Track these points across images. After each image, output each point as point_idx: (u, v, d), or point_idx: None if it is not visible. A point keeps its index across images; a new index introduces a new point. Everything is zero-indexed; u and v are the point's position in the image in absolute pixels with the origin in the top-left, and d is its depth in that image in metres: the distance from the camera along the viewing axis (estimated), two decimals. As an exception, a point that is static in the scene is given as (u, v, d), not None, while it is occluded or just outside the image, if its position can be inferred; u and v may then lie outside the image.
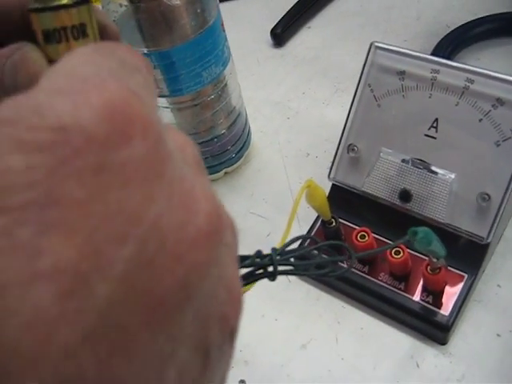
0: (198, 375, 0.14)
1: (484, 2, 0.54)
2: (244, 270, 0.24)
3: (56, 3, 0.20)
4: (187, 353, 0.14)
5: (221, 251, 0.15)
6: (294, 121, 0.49)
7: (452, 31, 0.52)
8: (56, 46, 0.20)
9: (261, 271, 0.24)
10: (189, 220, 0.13)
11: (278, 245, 0.29)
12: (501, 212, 0.32)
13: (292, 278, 0.39)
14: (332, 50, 0.55)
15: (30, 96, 0.13)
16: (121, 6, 0.34)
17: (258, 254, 0.24)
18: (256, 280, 0.24)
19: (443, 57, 0.49)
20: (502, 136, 0.33)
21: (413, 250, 0.34)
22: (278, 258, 0.24)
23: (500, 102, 0.33)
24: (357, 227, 0.36)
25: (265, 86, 0.53)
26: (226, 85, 0.40)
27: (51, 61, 0.20)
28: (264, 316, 0.38)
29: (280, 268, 0.24)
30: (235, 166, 0.46)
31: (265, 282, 0.35)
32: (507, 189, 0.32)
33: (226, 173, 0.46)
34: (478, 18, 0.52)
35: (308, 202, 0.34)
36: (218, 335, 0.15)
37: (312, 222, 0.38)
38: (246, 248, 0.39)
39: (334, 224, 0.36)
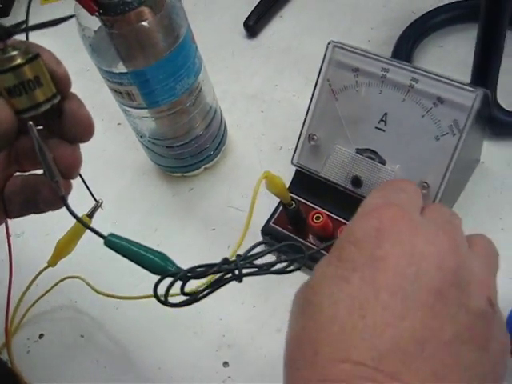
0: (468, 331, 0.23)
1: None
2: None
3: (12, 64, 0.27)
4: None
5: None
6: (268, 114, 0.55)
7: (417, 18, 0.57)
8: (18, 98, 0.27)
9: (229, 275, 0.30)
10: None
11: (240, 235, 0.36)
12: (438, 198, 0.38)
13: (265, 259, 0.46)
14: (303, 40, 0.60)
15: None
16: (95, 32, 0.40)
17: (225, 261, 0.30)
18: (226, 283, 0.30)
19: (408, 44, 0.55)
20: (441, 131, 0.38)
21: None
22: (242, 262, 0.30)
23: (440, 100, 0.38)
24: (317, 207, 0.43)
25: (239, 78, 0.58)
26: (200, 91, 0.46)
27: (16, 110, 0.27)
28: (243, 303, 0.44)
29: (245, 270, 0.29)
30: (214, 161, 0.52)
31: (245, 280, 0.42)
32: (443, 178, 0.38)
33: (205, 168, 0.52)
34: (443, 5, 0.57)
35: (269, 190, 0.40)
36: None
37: (275, 207, 0.45)
38: (226, 238, 0.46)
39: (293, 206, 0.42)
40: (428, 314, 0.23)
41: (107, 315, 0.46)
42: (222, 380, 0.41)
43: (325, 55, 0.43)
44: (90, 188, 0.38)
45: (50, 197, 0.30)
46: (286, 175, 0.45)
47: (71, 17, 0.64)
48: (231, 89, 0.57)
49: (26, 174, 0.33)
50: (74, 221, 0.31)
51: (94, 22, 0.41)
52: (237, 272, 0.30)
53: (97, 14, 0.39)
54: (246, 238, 0.38)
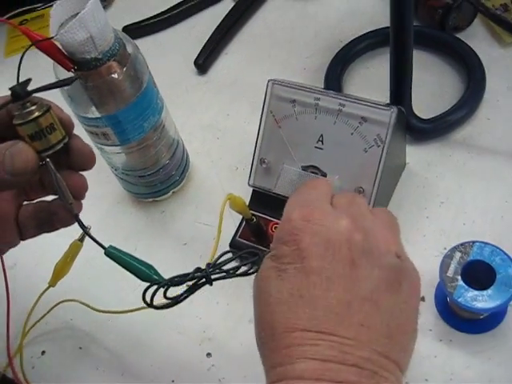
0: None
1: (369, 19, 0.68)
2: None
3: (32, 117, 0.34)
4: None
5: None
6: (223, 140, 0.63)
7: (344, 46, 0.66)
8: (38, 142, 0.34)
9: (203, 280, 0.37)
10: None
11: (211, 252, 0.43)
12: (373, 200, 0.47)
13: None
14: (247, 73, 0.69)
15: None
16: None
17: (197, 269, 0.37)
18: (200, 287, 0.38)
19: (338, 69, 0.64)
20: (368, 144, 0.47)
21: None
22: (211, 270, 0.37)
23: (364, 119, 0.47)
24: (274, 219, 0.51)
25: (195, 111, 0.66)
26: (163, 126, 0.54)
27: (37, 151, 0.34)
28: (218, 303, 0.52)
29: (215, 276, 0.37)
30: (180, 185, 0.60)
31: (217, 283, 0.50)
32: (375, 182, 0.47)
33: (173, 192, 0.59)
34: (365, 33, 0.66)
35: (232, 209, 0.48)
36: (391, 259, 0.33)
37: (239, 222, 0.53)
38: (198, 250, 0.53)
39: (254, 220, 0.50)
40: (347, 281, 0.31)
41: (101, 327, 0.53)
42: (207, 368, 0.48)
43: (266, 91, 0.51)
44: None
45: (66, 216, 0.38)
46: (244, 192, 0.52)
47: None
48: (189, 121, 0.65)
49: (34, 201, 0.40)
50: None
51: (67, 76, 0.48)
52: (208, 279, 0.37)
53: (72, 70, 0.47)
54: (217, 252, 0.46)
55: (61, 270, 0.48)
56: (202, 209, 0.58)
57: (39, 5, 0.84)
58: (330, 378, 0.29)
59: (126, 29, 0.74)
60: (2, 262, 0.48)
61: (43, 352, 0.53)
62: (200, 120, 0.65)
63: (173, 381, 0.48)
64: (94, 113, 0.49)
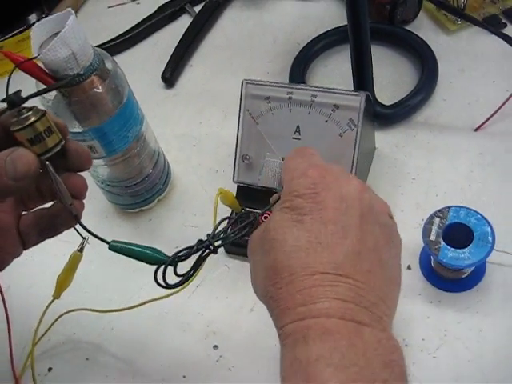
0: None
1: (322, 22, 0.73)
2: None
3: (30, 121, 0.36)
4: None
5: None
6: (199, 147, 0.66)
7: (303, 48, 0.71)
8: (37, 145, 0.36)
9: (208, 251, 0.40)
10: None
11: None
12: (352, 179, 0.51)
13: (229, 263, 0.56)
14: (213, 82, 0.72)
15: None
16: (54, 98, 0.49)
17: (200, 241, 0.40)
18: (205, 259, 0.40)
19: (299, 70, 0.68)
20: (343, 129, 0.51)
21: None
22: (213, 238, 0.39)
23: (336, 106, 0.51)
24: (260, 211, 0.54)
25: (168, 123, 0.69)
26: (145, 137, 0.56)
27: (37, 154, 0.36)
28: (218, 297, 0.54)
29: (218, 243, 0.39)
30: (164, 193, 0.62)
31: (213, 279, 0.52)
32: (353, 163, 0.50)
33: (158, 200, 0.62)
34: (321, 34, 0.71)
35: (223, 203, 0.50)
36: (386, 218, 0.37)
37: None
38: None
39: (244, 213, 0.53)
40: (358, 232, 0.34)
41: (105, 336, 0.54)
42: (215, 360, 0.50)
43: (241, 91, 0.54)
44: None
45: (68, 218, 0.39)
46: None
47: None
48: (164, 132, 0.67)
49: (33, 210, 0.42)
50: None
51: (50, 93, 0.50)
52: (212, 247, 0.39)
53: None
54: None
55: (64, 281, 0.49)
56: (188, 212, 0.61)
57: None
58: (351, 317, 0.32)
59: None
60: (-1, 283, 0.50)
61: (50, 369, 0.54)
62: (174, 130, 0.68)
63: (184, 376, 0.50)
64: (78, 127, 0.51)
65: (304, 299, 0.32)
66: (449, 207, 0.49)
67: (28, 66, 0.47)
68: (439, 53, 0.65)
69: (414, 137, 0.60)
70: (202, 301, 0.54)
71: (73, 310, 0.53)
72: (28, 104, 0.36)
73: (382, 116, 0.60)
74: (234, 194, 0.56)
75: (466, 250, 0.46)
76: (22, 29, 0.88)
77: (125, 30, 0.79)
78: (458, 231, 0.48)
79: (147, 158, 0.58)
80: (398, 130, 0.61)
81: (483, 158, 0.57)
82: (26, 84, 0.49)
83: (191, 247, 0.39)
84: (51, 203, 0.42)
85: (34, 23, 0.88)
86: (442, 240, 0.47)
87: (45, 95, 0.50)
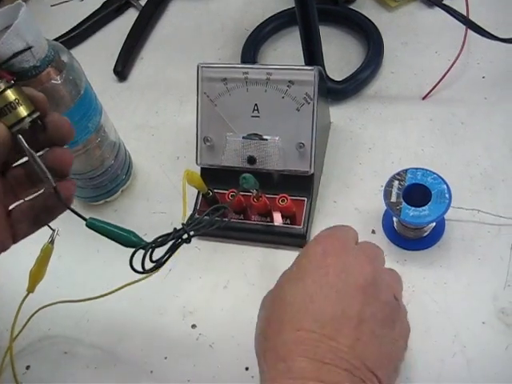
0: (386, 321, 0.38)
1: (267, 6, 0.75)
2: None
3: None
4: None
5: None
6: (158, 136, 0.67)
7: (251, 33, 0.72)
8: (6, 117, 0.35)
9: (180, 241, 0.41)
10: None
11: (181, 218, 0.47)
12: (313, 152, 0.53)
13: (200, 245, 0.57)
14: (166, 72, 0.73)
15: None
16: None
17: (175, 230, 0.41)
18: (179, 246, 0.41)
19: (250, 54, 0.70)
20: (299, 104, 0.53)
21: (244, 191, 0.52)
22: (188, 227, 0.41)
23: (291, 82, 0.53)
24: (226, 191, 0.55)
25: (124, 115, 0.69)
26: (104, 128, 0.57)
27: (7, 126, 0.35)
28: (191, 278, 0.55)
29: (192, 233, 0.41)
30: (128, 183, 0.63)
31: (185, 262, 0.53)
32: (312, 136, 0.52)
33: (122, 191, 0.62)
34: (267, 19, 0.73)
35: (189, 184, 0.51)
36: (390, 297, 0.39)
37: (195, 197, 0.57)
38: (159, 234, 0.56)
39: (210, 194, 0.54)
40: (353, 301, 0.37)
41: (81, 328, 0.54)
42: (195, 338, 0.52)
43: (197, 75, 0.56)
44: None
45: (54, 199, 0.37)
46: None
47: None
48: (121, 125, 0.67)
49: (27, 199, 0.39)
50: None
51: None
52: (186, 236, 0.41)
53: (13, 80, 0.49)
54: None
55: (37, 274, 0.49)
56: (153, 200, 0.62)
57: None
58: (328, 379, 0.34)
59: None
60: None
61: (28, 367, 0.54)
62: (131, 122, 0.69)
63: (166, 357, 0.51)
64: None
65: (285, 354, 0.35)
66: (406, 170, 0.51)
67: (-19, 61, 0.47)
68: (382, 28, 0.67)
69: (366, 109, 0.63)
70: (176, 283, 0.55)
71: (49, 305, 0.53)
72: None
73: (335, 91, 0.63)
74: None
75: (425, 207, 0.49)
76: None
77: (71, 27, 0.78)
78: (416, 191, 0.50)
79: (108, 149, 0.58)
80: (350, 104, 0.64)
81: (432, 123, 0.60)
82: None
83: (168, 234, 0.41)
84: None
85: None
86: (402, 201, 0.50)
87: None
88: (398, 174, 0.51)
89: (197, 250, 0.57)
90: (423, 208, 0.49)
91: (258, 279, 0.54)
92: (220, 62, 0.56)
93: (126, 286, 0.49)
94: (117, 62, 0.73)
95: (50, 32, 0.79)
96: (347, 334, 0.36)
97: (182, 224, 0.42)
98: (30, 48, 0.47)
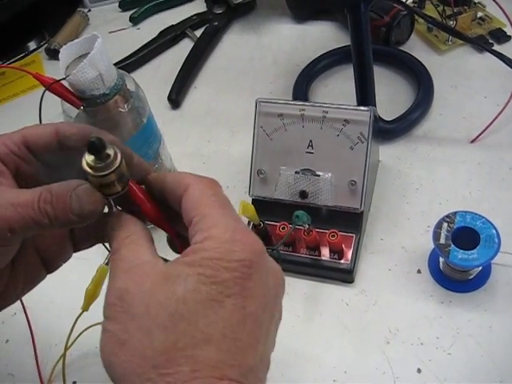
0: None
1: (319, 42, 0.77)
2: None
3: (104, 173, 0.33)
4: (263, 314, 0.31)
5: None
6: (209, 164, 0.69)
7: (303, 69, 0.74)
8: (107, 189, 0.35)
9: None
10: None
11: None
12: (364, 190, 0.54)
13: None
14: (218, 102, 0.75)
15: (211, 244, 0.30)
16: (77, 116, 0.52)
17: None
18: None
19: (302, 90, 0.72)
20: (353, 142, 0.55)
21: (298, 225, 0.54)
22: None
23: (347, 121, 0.55)
24: (277, 223, 0.57)
25: (177, 142, 0.71)
26: (161, 156, 0.59)
27: (103, 194, 0.35)
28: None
29: None
30: (179, 210, 0.64)
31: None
32: (364, 174, 0.54)
33: (172, 216, 0.64)
34: (320, 56, 0.75)
35: (243, 214, 0.53)
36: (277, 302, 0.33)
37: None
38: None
39: (262, 226, 0.56)
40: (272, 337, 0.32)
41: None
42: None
43: (255, 109, 0.58)
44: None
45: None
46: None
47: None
48: (173, 151, 0.69)
49: None
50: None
51: (73, 111, 0.52)
52: None
53: (81, 107, 0.52)
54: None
55: (92, 294, 0.51)
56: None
57: (-1, 63, 0.88)
58: None
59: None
60: (22, 303, 0.51)
61: (74, 382, 0.55)
62: (183, 149, 0.71)
63: None
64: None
65: None
66: (455, 212, 0.52)
67: (56, 88, 0.50)
68: (432, 71, 0.69)
69: (414, 149, 0.64)
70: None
71: (99, 323, 0.55)
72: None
73: (385, 131, 0.64)
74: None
75: (474, 251, 0.50)
76: (22, 55, 0.91)
77: (128, 54, 0.82)
78: (465, 234, 0.51)
79: (164, 175, 0.61)
80: (399, 143, 0.65)
81: (480, 167, 0.61)
82: (50, 104, 0.52)
83: None
84: None
85: (34, 50, 0.91)
86: (451, 243, 0.51)
87: (67, 112, 0.53)
88: (448, 216, 0.53)
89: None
90: (472, 251, 0.50)
91: (303, 310, 0.55)
92: (277, 98, 0.58)
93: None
94: (171, 89, 0.76)
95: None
96: (262, 377, 0.30)
97: None
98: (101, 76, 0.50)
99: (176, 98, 0.75)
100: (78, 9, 0.94)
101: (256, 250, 0.31)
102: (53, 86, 0.50)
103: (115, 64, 0.79)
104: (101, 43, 0.50)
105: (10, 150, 0.37)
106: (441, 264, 0.54)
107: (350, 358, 0.50)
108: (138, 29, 0.89)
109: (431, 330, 0.51)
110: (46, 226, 0.33)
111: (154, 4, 0.90)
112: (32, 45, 0.92)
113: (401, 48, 0.74)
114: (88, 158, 0.34)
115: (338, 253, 0.55)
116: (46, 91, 0.49)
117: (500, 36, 0.73)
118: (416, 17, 0.74)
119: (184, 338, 0.28)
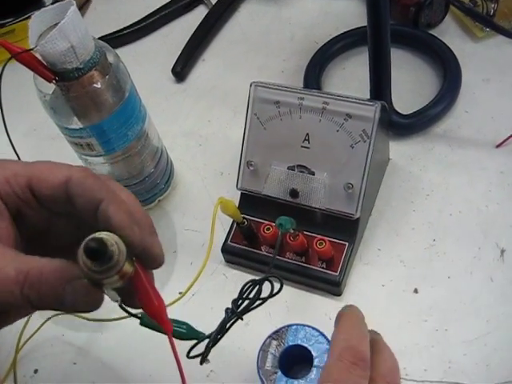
0: None
1: (342, 21, 0.70)
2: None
3: (106, 276, 0.29)
4: None
5: None
6: (206, 146, 0.63)
7: (321, 47, 0.67)
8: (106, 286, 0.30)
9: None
10: None
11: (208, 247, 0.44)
12: (362, 194, 0.48)
13: (228, 273, 0.54)
14: (225, 78, 0.69)
15: None
16: (51, 95, 0.47)
17: (227, 316, 0.40)
18: (232, 325, 0.40)
19: (316, 70, 0.65)
20: (354, 140, 0.48)
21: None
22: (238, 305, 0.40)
23: (349, 116, 0.48)
24: (264, 221, 0.51)
25: (176, 119, 0.66)
26: (147, 135, 0.54)
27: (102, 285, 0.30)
28: (213, 308, 0.51)
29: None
30: (166, 193, 0.59)
31: (210, 289, 0.50)
32: (363, 178, 0.48)
33: (159, 201, 0.59)
34: (340, 34, 0.68)
35: (223, 212, 0.48)
36: None
37: (229, 226, 0.53)
38: (188, 257, 0.53)
39: (245, 223, 0.50)
40: None
41: (94, 341, 0.52)
42: (206, 375, 0.48)
43: (249, 94, 0.52)
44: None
45: None
46: (231, 196, 0.52)
47: None
48: (170, 129, 0.65)
49: None
50: None
51: (48, 87, 0.48)
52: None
53: (54, 81, 0.47)
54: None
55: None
56: (189, 215, 0.58)
57: (8, 20, 0.83)
58: None
59: (100, 40, 0.73)
60: None
61: (36, 370, 0.52)
62: (181, 127, 0.66)
63: (173, 389, 0.48)
64: (77, 123, 0.49)
65: None
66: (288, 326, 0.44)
67: (26, 58, 0.45)
68: (464, 60, 0.61)
69: (431, 150, 0.57)
70: (197, 311, 0.51)
71: (61, 313, 0.51)
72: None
73: (399, 126, 0.57)
74: (238, 200, 0.54)
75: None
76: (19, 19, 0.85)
77: (138, 19, 0.76)
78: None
79: (149, 157, 0.55)
80: (414, 141, 0.58)
81: (503, 177, 0.54)
82: (22, 75, 0.48)
83: (223, 323, 0.40)
84: None
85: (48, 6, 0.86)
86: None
87: (43, 89, 0.48)
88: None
89: (224, 277, 0.53)
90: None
91: (281, 321, 0.50)
92: (274, 84, 0.51)
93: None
94: (177, 61, 0.70)
95: (116, 22, 0.77)
96: None
97: (232, 310, 0.40)
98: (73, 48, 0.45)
99: (181, 70, 0.69)
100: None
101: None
102: (22, 56, 0.45)
103: (124, 29, 0.75)
104: (74, 11, 0.44)
105: (12, 190, 0.34)
106: (441, 285, 0.48)
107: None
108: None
109: (419, 360, 0.45)
110: (23, 310, 0.32)
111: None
112: (48, 0, 0.87)
113: (431, 31, 0.65)
114: (86, 260, 0.29)
115: (326, 261, 0.49)
116: (13, 61, 0.45)
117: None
118: (453, -4, 0.65)
119: None
